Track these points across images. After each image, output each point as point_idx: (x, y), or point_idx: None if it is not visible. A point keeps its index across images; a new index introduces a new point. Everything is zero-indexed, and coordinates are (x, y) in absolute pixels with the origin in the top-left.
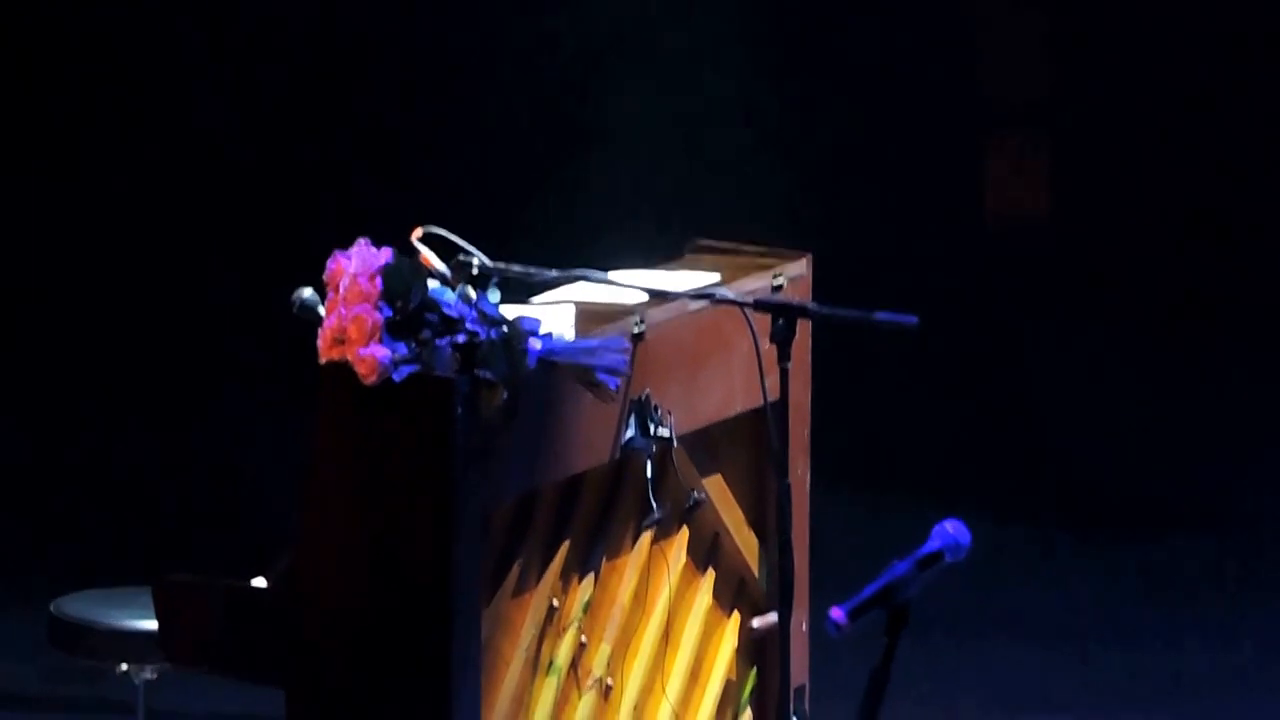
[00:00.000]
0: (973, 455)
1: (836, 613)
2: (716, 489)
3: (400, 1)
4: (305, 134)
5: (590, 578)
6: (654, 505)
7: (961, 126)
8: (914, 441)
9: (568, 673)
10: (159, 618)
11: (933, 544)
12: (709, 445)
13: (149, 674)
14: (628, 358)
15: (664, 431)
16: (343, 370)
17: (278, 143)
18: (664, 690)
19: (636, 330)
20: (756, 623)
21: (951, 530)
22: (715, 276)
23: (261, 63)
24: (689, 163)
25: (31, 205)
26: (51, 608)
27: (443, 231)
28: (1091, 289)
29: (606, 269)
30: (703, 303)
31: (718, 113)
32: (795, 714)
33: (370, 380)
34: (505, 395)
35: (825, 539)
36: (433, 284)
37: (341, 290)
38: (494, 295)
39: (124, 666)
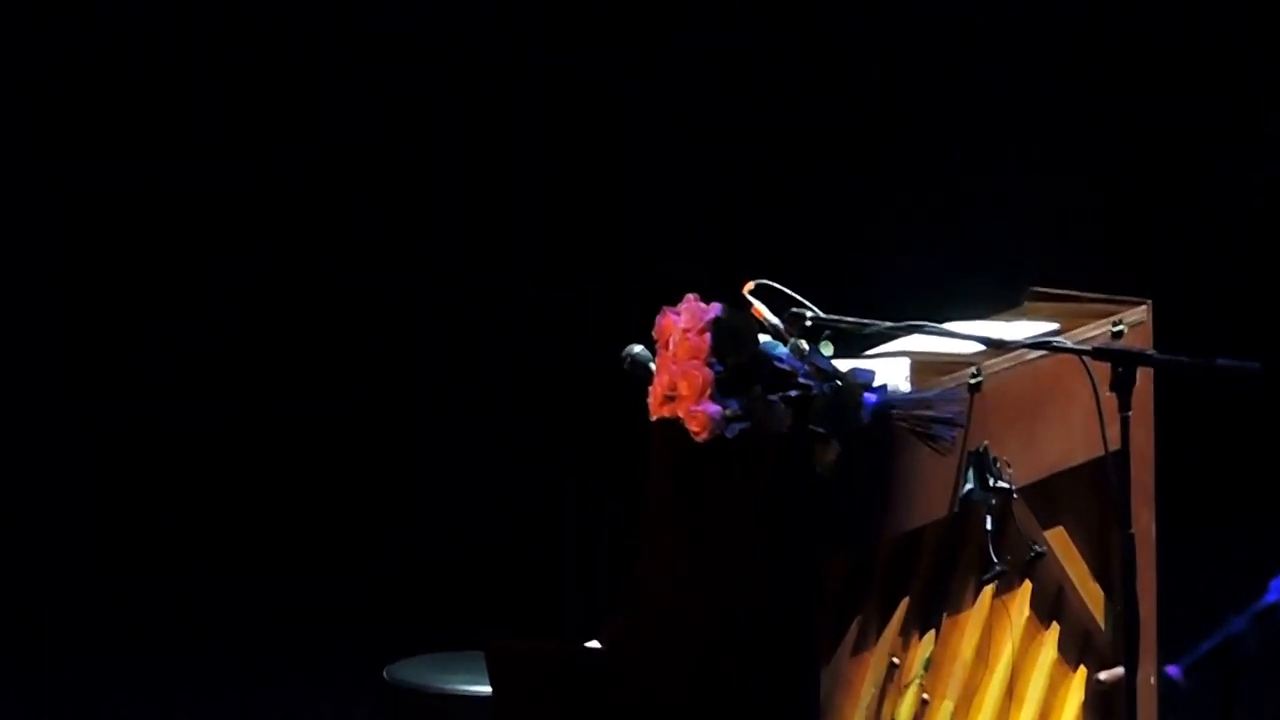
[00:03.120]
0: None
1: (1173, 670)
2: (1059, 541)
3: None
4: (626, 189)
5: (931, 634)
6: (994, 559)
7: None
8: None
9: None
10: (493, 683)
11: (1271, 596)
12: (1050, 496)
13: None
14: (964, 409)
15: (1003, 483)
16: (673, 427)
17: (603, 195)
18: None
19: (973, 381)
20: (1103, 676)
21: None
22: (1053, 325)
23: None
24: (1029, 211)
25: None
26: (385, 674)
27: (775, 284)
28: None
29: (942, 320)
30: (1040, 352)
31: (1057, 161)
32: None
33: (702, 437)
34: (840, 450)
35: (1179, 587)
36: (764, 338)
37: (671, 346)
38: (827, 348)
39: None
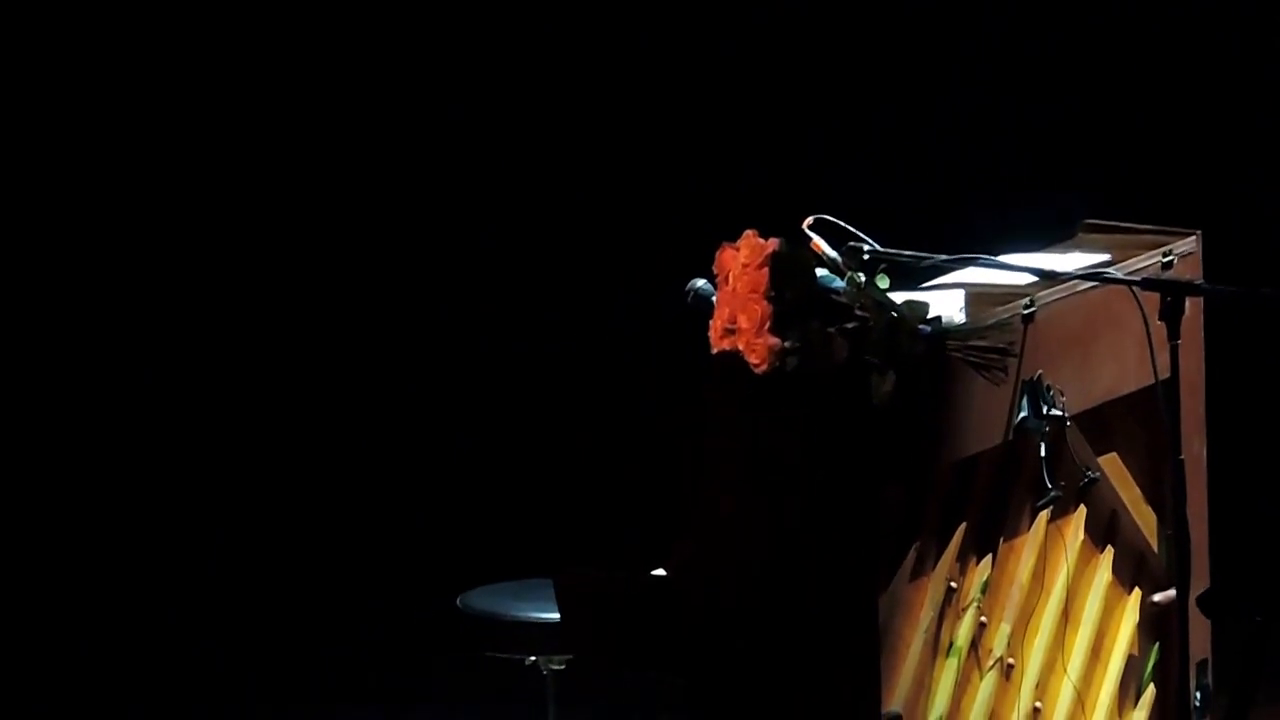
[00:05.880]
0: None
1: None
2: (1112, 467)
3: None
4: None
5: (988, 558)
6: (1049, 484)
7: None
8: None
9: (968, 653)
10: (561, 611)
11: None
12: (1103, 424)
13: (557, 665)
14: (1018, 339)
15: (1056, 411)
16: (733, 360)
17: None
18: (1065, 668)
19: (1026, 311)
20: (1157, 598)
21: None
22: (1105, 256)
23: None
24: (1081, 143)
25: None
26: (459, 602)
27: (833, 219)
28: None
29: (996, 252)
30: (1092, 283)
31: (1108, 93)
32: (1198, 689)
33: (761, 369)
34: (896, 381)
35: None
36: (822, 271)
37: (731, 281)
38: (883, 281)
39: (532, 658)
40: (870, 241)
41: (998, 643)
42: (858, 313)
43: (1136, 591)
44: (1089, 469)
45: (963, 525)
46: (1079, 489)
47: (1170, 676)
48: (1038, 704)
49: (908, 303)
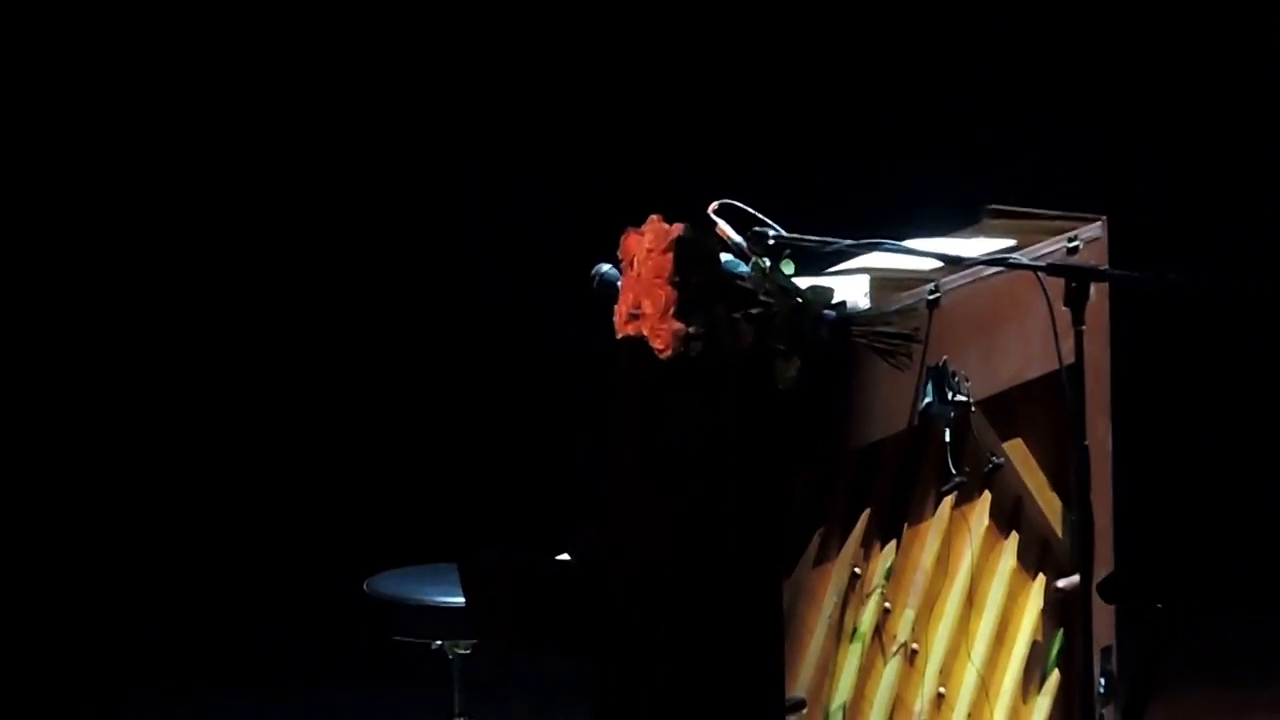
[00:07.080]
0: None
1: None
2: (1017, 452)
3: None
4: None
5: (892, 544)
6: (953, 470)
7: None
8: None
9: (872, 639)
10: (467, 595)
11: None
12: (1008, 409)
13: (463, 649)
14: (923, 325)
15: (961, 397)
16: (638, 345)
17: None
18: (969, 654)
19: (931, 297)
20: (1061, 583)
21: None
22: (1010, 242)
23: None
24: (987, 129)
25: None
26: (365, 586)
27: (738, 203)
28: None
29: (902, 237)
30: (997, 268)
31: (1015, 79)
32: (1102, 674)
33: (666, 354)
34: (800, 366)
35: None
36: (727, 257)
37: (636, 265)
38: (788, 266)
39: (439, 643)
40: (775, 226)
41: (901, 628)
42: (762, 298)
43: (1041, 577)
44: (994, 454)
45: (867, 511)
46: (984, 475)
47: (1075, 662)
48: (941, 689)
49: (812, 288)
